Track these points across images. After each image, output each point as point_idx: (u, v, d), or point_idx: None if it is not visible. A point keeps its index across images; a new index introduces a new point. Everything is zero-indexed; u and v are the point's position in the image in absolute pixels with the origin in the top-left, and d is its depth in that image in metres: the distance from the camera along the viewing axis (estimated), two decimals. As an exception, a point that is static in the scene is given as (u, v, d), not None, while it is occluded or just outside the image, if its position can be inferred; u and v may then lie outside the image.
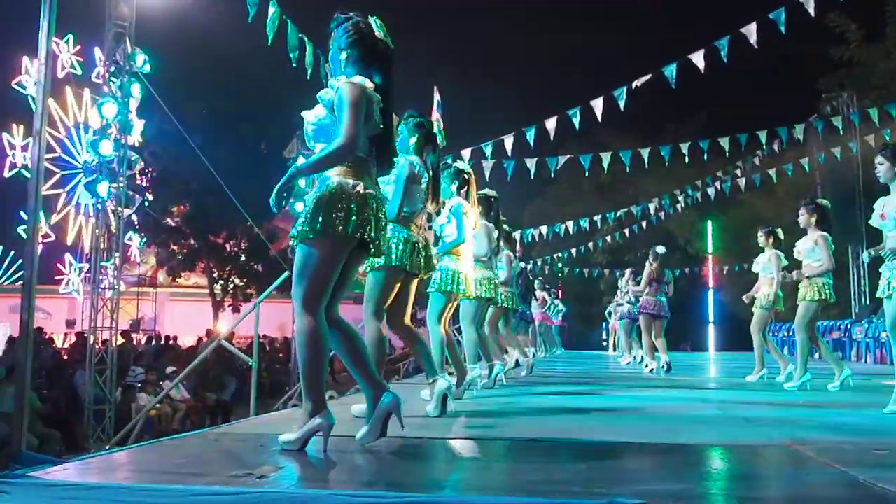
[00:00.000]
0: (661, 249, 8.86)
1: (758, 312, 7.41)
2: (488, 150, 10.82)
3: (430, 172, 4.07)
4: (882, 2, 19.14)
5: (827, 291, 6.14)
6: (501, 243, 6.58)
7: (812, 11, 7.30)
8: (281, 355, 16.75)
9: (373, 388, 2.83)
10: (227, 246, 23.36)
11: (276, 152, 18.44)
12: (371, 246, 2.84)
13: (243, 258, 23.56)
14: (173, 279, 24.55)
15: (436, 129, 4.33)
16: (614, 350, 14.03)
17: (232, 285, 23.78)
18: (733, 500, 2.22)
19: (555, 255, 22.95)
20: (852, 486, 2.28)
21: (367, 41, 2.92)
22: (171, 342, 16.90)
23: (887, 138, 11.92)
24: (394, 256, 3.79)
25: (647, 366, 8.76)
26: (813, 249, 6.19)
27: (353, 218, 2.73)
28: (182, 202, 22.12)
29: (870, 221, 4.63)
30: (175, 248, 22.93)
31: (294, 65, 7.33)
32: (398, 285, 3.89)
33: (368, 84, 2.85)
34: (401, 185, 3.89)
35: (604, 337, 31.73)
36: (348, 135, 2.71)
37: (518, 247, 11.21)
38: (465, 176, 5.11)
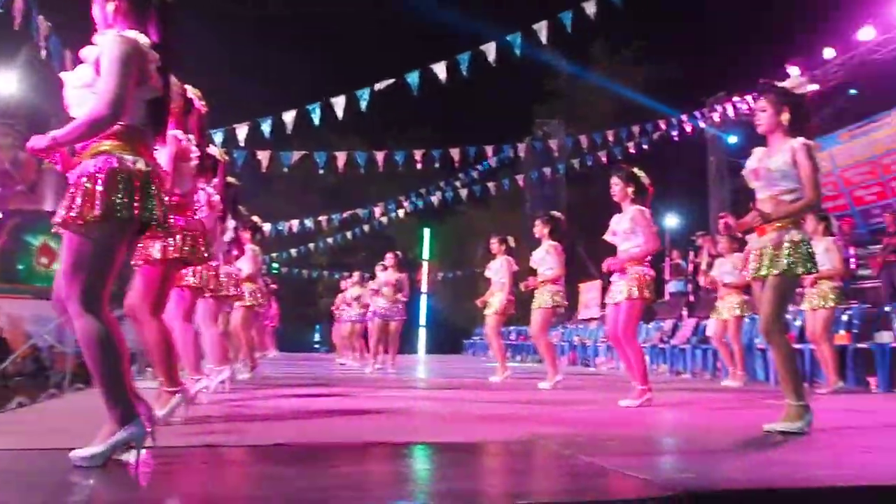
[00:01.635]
0: (398, 254, 9.08)
1: (492, 317, 7.75)
2: (218, 138, 10.27)
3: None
4: (588, 44, 21.66)
5: (559, 298, 6.70)
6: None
7: (544, 40, 8.04)
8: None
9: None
10: None
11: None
12: (159, 229, 2.48)
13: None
14: None
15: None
16: (336, 352, 14.07)
17: None
18: (506, 494, 2.27)
19: (272, 255, 22.49)
20: (603, 474, 2.43)
21: None
22: None
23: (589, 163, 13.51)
24: (171, 248, 3.39)
25: (371, 366, 8.89)
26: (544, 258, 6.73)
27: (137, 199, 2.36)
28: None
29: (604, 237, 5.18)
30: None
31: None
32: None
33: (143, 39, 2.46)
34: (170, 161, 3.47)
35: (317, 338, 31.78)
36: (111, 99, 2.32)
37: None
38: (215, 161, 4.74)
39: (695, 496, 2.03)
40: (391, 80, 8.90)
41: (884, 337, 7.08)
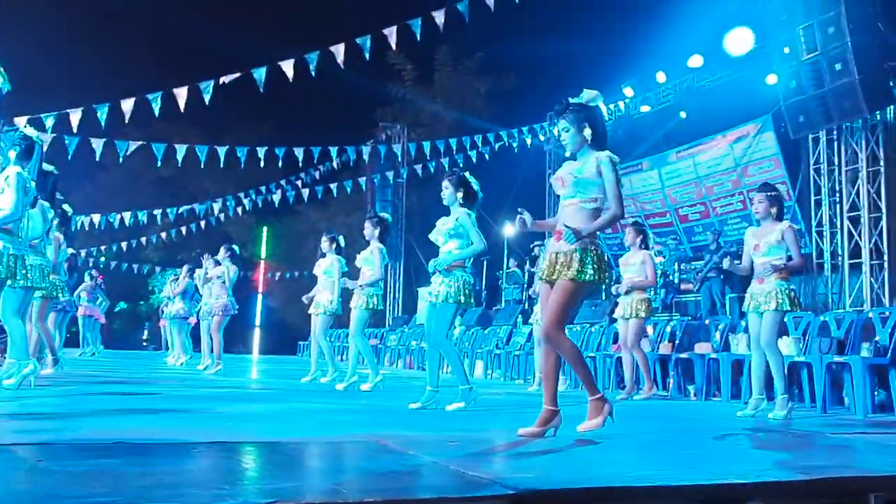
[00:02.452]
0: (235, 248, 8.76)
1: (322, 318, 7.65)
2: (49, 123, 9.41)
3: None
4: (434, 51, 21.99)
5: (375, 300, 6.71)
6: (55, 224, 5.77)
7: (393, 45, 8.08)
8: None
9: None
10: None
11: None
12: None
13: None
14: None
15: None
16: (165, 349, 13.34)
17: None
18: (362, 493, 2.23)
19: (101, 247, 21.01)
20: (448, 474, 2.46)
21: None
22: None
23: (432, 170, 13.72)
24: None
25: (207, 366, 8.54)
26: (368, 259, 6.72)
27: None
28: None
29: (429, 236, 5.26)
30: None
31: None
32: None
33: None
34: None
35: (145, 336, 30.10)
36: None
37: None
38: (33, 144, 4.32)
39: (533, 495, 2.10)
40: (237, 74, 8.57)
41: (702, 348, 7.67)
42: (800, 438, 4.13)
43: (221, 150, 11.55)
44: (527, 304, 13.98)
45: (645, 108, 15.71)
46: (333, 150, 13.00)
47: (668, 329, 8.49)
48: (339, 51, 8.24)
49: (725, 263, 5.63)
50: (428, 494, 2.09)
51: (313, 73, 8.26)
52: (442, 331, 5.03)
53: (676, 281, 13.08)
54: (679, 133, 15.26)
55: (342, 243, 7.84)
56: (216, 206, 18.27)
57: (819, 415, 5.91)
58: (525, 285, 14.47)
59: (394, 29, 8.64)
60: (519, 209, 3.77)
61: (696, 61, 14.26)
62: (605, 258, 3.58)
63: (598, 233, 3.60)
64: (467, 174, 5.29)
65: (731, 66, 13.70)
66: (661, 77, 15.01)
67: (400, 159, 18.20)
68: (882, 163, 10.45)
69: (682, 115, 15.09)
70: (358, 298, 6.69)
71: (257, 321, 26.80)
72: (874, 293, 10.25)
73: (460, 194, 5.15)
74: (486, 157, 16.53)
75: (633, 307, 6.97)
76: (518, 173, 18.48)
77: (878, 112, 10.31)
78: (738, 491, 2.39)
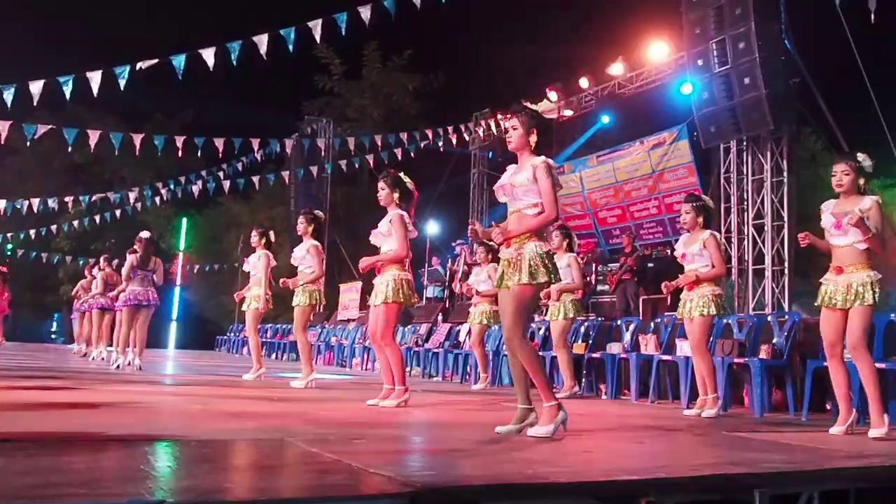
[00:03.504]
0: (145, 234, 8.50)
1: (251, 312, 7.55)
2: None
3: None
4: (362, 46, 21.83)
5: (317, 297, 6.73)
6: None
7: (318, 38, 7.99)
8: None
9: None
10: None
11: None
12: None
13: None
14: None
15: None
16: (77, 343, 12.84)
17: None
18: (249, 491, 2.22)
19: (8, 235, 19.99)
20: (349, 471, 2.47)
21: None
22: None
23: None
24: None
25: (118, 361, 8.26)
26: (305, 257, 6.70)
27: None
28: None
29: (370, 238, 5.27)
30: None
31: None
32: None
33: None
34: None
35: (55, 328, 28.84)
36: None
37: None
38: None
39: (432, 491, 2.13)
40: (154, 61, 8.29)
41: (614, 348, 7.91)
42: (696, 436, 4.31)
43: (137, 138, 11.16)
44: (448, 303, 14.08)
45: (568, 113, 16.04)
46: (256, 142, 12.74)
47: (583, 329, 8.71)
48: (262, 41, 8.10)
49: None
50: (321, 493, 2.09)
51: (234, 63, 8.10)
52: (388, 331, 5.11)
53: (593, 282, 13.40)
54: (600, 138, 15.66)
55: (272, 238, 7.78)
56: (132, 195, 17.62)
57: (719, 413, 6.17)
58: (447, 283, 14.56)
59: (319, 22, 8.55)
60: (470, 220, 3.92)
61: (617, 69, 14.64)
62: (551, 261, 3.67)
63: (543, 235, 3.74)
64: (402, 174, 5.32)
65: (651, 76, 14.15)
66: (584, 83, 15.35)
67: (324, 154, 18.00)
68: (785, 174, 10.98)
69: (604, 120, 15.48)
70: (300, 296, 6.70)
71: (174, 315, 26.01)
72: (775, 298, 10.77)
73: (396, 194, 5.19)
74: (412, 154, 16.57)
75: (563, 308, 7.14)
76: (443, 172, 18.60)
77: (782, 125, 10.82)
78: (630, 487, 2.49)
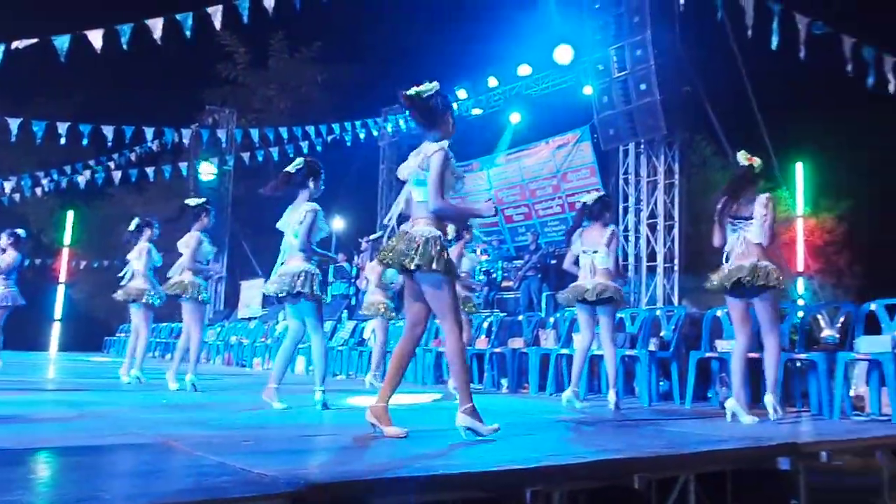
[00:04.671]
0: (21, 232, 8.01)
1: (134, 309, 7.25)
2: None
3: None
4: (269, 35, 21.33)
5: (205, 293, 6.52)
6: None
7: (218, 25, 7.72)
8: None
9: None
10: None
11: None
12: None
13: None
14: None
15: None
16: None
17: None
18: (122, 499, 2.12)
19: None
20: (232, 473, 2.41)
21: None
22: None
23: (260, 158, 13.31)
24: None
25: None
26: (199, 249, 6.46)
27: None
28: None
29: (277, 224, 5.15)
30: None
31: None
32: None
33: None
34: None
35: None
36: None
37: None
38: None
39: (317, 489, 2.11)
40: (34, 40, 7.76)
41: (515, 343, 8.04)
42: (587, 426, 4.44)
43: (14, 123, 10.46)
44: (354, 300, 13.96)
45: (477, 111, 16.21)
46: (149, 131, 12.19)
47: (486, 325, 8.82)
48: (156, 25, 7.75)
49: None
50: (202, 496, 2.03)
51: (125, 47, 7.71)
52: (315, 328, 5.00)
53: (499, 279, 13.61)
54: (507, 137, 15.92)
55: (156, 230, 7.42)
56: (8, 185, 16.47)
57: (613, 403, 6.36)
58: (353, 280, 14.43)
59: (219, 8, 8.27)
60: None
61: (525, 70, 14.92)
62: (437, 249, 3.44)
63: (441, 225, 3.55)
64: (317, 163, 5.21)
65: (557, 78, 14.47)
66: (492, 82, 15.56)
67: (226, 145, 17.46)
68: (677, 176, 11.48)
69: (512, 119, 15.73)
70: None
71: (57, 315, 24.39)
72: (665, 293, 11.24)
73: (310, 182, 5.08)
74: (319, 148, 16.32)
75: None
76: (351, 167, 18.44)
77: (675, 130, 11.31)
78: (516, 476, 2.53)
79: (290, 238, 5.02)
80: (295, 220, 4.99)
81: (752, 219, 4.68)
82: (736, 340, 4.88)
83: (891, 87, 6.85)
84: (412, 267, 3.40)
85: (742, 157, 4.82)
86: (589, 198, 5.81)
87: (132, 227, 7.31)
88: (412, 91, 3.55)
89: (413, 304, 3.59)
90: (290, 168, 5.01)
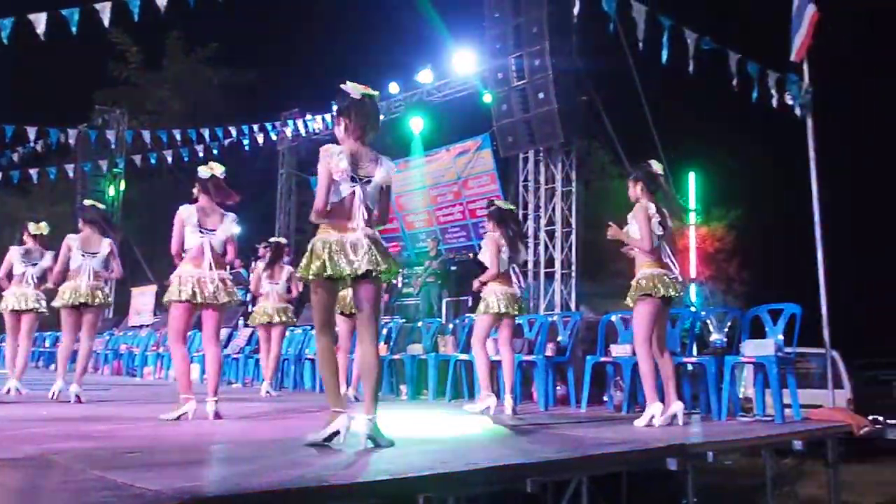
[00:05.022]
0: None
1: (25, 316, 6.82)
2: None
3: None
4: (163, 34, 20.62)
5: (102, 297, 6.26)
6: None
7: (107, 22, 7.40)
8: None
9: None
10: None
11: None
12: None
13: None
14: None
15: None
16: None
17: None
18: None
19: None
20: (113, 488, 2.32)
21: None
22: None
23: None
24: None
25: None
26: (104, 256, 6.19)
27: None
28: None
29: None
30: None
31: None
32: None
33: None
34: None
35: None
36: None
37: None
38: None
39: (201, 503, 2.04)
40: None
41: (414, 349, 8.05)
42: (481, 432, 4.51)
43: None
44: (251, 306, 13.60)
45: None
46: (32, 131, 11.52)
47: (385, 331, 8.79)
48: (40, 20, 7.34)
49: None
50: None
51: (5, 41, 7.27)
52: (172, 332, 4.88)
53: (399, 285, 13.60)
54: (409, 143, 15.94)
55: (45, 232, 7.02)
56: None
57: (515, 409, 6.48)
58: (249, 286, 14.06)
59: (108, 5, 7.93)
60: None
61: (426, 76, 14.98)
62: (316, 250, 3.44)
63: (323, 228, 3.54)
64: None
65: (457, 85, 14.62)
66: (393, 88, 15.55)
67: (115, 147, 16.72)
68: (574, 184, 11.82)
69: (413, 126, 15.76)
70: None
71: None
72: (563, 299, 11.55)
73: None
74: (216, 151, 15.91)
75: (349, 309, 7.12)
76: (250, 171, 18.00)
77: (572, 139, 11.65)
78: (408, 484, 2.55)
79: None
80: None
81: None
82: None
83: (774, 102, 7.17)
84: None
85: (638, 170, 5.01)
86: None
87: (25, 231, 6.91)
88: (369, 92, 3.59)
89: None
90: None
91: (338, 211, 3.48)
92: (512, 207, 6.20)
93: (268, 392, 7.52)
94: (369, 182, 3.57)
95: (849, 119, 18.00)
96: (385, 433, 3.36)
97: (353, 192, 3.50)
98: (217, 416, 4.77)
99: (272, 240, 8.51)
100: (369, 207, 3.56)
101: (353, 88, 3.63)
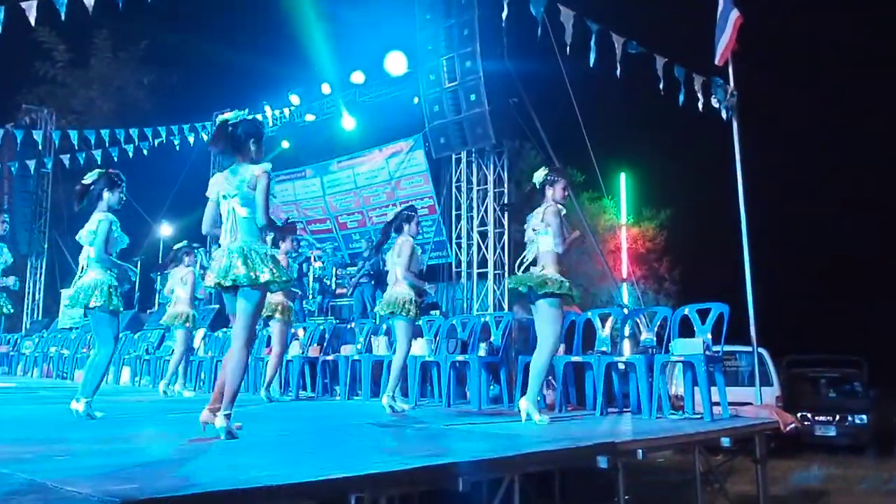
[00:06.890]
0: None
1: None
2: None
3: None
4: (91, 33, 20.01)
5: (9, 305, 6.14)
6: None
7: (32, 20, 7.19)
8: None
9: None
10: None
11: None
12: None
13: None
14: None
15: None
16: None
17: None
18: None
19: None
20: (42, 490, 2.30)
21: None
22: None
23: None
24: None
25: None
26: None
27: None
28: None
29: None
30: None
31: None
32: None
33: None
34: None
35: None
36: None
37: None
38: None
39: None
40: None
41: (348, 349, 8.05)
42: (415, 431, 4.58)
43: None
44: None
45: (310, 117, 16.03)
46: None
47: (319, 332, 8.77)
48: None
49: None
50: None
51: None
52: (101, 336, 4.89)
53: (333, 286, 13.57)
54: (341, 144, 15.87)
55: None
56: None
57: (444, 408, 6.59)
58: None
59: (34, 3, 7.72)
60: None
61: (358, 77, 14.95)
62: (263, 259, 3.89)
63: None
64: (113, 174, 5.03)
65: (390, 86, 14.63)
66: (325, 89, 15.46)
67: (42, 147, 16.19)
68: (506, 184, 12.00)
69: (345, 126, 15.69)
70: None
71: None
72: (496, 299, 11.72)
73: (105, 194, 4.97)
74: (145, 152, 15.54)
75: (276, 311, 7.15)
76: (180, 172, 17.62)
77: (503, 140, 11.82)
78: (340, 484, 2.60)
79: (87, 249, 4.94)
80: (88, 230, 4.91)
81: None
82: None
83: (699, 105, 7.35)
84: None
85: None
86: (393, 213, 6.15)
87: None
88: (221, 117, 3.77)
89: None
90: (87, 179, 4.88)
91: None
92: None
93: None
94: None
95: (774, 120, 18.77)
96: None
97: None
98: (90, 416, 4.74)
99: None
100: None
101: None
